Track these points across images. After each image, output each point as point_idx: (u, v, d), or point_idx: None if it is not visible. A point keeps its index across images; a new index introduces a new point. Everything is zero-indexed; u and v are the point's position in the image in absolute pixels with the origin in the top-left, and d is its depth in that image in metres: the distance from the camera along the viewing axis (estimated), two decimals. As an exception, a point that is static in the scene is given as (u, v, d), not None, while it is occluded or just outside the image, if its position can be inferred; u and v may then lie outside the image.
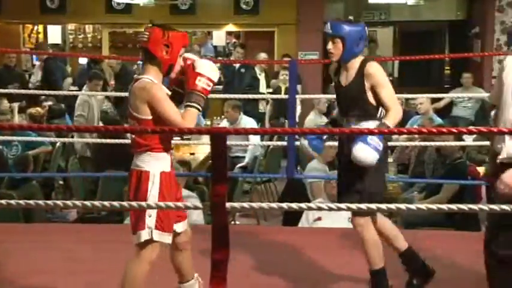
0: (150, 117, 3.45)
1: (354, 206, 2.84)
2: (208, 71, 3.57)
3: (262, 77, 10.67)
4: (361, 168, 3.79)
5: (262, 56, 10.84)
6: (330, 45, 3.92)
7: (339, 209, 2.83)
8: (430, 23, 13.23)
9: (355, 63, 3.93)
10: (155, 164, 3.51)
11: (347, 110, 3.96)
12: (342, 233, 5.11)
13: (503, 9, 12.07)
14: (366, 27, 4.00)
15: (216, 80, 3.59)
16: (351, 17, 4.49)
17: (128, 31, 13.44)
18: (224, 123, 8.64)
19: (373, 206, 2.76)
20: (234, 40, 14.05)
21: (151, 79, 3.52)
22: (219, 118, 9.54)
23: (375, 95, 3.89)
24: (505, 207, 2.74)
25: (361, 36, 3.93)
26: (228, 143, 2.80)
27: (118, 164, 6.25)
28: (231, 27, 12.77)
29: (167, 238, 3.54)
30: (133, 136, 3.57)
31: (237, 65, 10.58)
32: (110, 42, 13.07)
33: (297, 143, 5.93)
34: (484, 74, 11.74)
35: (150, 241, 3.50)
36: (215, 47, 14.15)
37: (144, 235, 3.49)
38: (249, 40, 13.04)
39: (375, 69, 3.89)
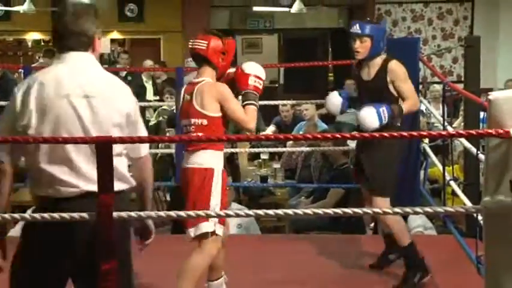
0: (220, 114, 3.67)
1: (242, 212, 2.85)
2: (256, 70, 3.80)
3: (149, 85, 10.57)
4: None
5: (149, 63, 10.74)
6: (357, 44, 4.27)
7: (227, 215, 2.84)
8: (313, 31, 13.51)
9: (378, 60, 4.29)
10: (217, 162, 3.69)
11: (371, 102, 4.21)
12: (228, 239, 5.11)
13: (382, 17, 12.48)
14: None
15: (264, 77, 3.82)
16: (368, 19, 4.87)
17: (8, 38, 13.01)
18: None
19: (261, 212, 2.77)
20: (118, 48, 13.85)
21: (212, 81, 3.74)
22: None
23: (395, 89, 4.27)
24: (387, 210, 2.83)
25: (384, 33, 4.36)
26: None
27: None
28: (115, 35, 12.60)
29: (222, 232, 3.71)
30: (199, 134, 3.68)
31: (124, 73, 10.42)
32: (-11, 50, 12.64)
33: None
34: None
35: (212, 234, 3.64)
36: (100, 55, 13.92)
37: (206, 227, 3.62)
38: (134, 47, 12.90)
39: (397, 66, 4.27)
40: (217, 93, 3.68)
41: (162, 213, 2.77)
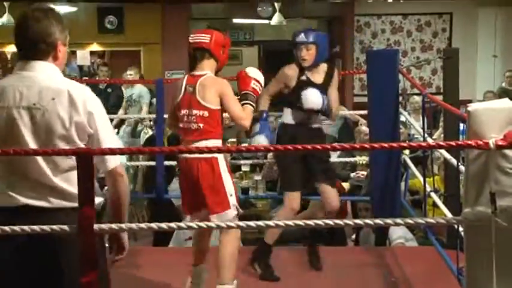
0: (220, 107, 3.93)
1: (223, 224, 2.85)
2: (257, 75, 4.13)
3: (144, 98, 10.48)
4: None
5: (133, 70, 10.65)
6: (304, 52, 4.57)
7: (209, 227, 2.84)
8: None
9: (323, 67, 4.67)
10: None
11: None
12: (214, 250, 5.10)
13: (361, 29, 12.55)
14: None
15: (262, 83, 4.16)
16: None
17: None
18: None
19: (242, 223, 2.77)
20: (98, 60, 13.80)
21: (212, 75, 3.98)
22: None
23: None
24: (368, 221, 2.83)
25: (328, 42, 4.69)
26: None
27: None
28: (95, 47, 12.57)
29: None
30: (201, 125, 3.92)
31: (103, 85, 10.37)
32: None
33: (167, 162, 5.89)
34: (346, 92, 12.12)
35: (235, 217, 3.93)
36: (80, 67, 13.85)
37: (231, 213, 3.90)
38: (114, 59, 12.87)
39: (338, 75, 4.77)
40: (219, 88, 3.94)
41: (143, 225, 2.75)
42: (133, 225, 2.82)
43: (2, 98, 2.64)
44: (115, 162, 2.73)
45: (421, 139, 5.12)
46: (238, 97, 4.07)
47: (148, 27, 11.93)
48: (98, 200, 2.72)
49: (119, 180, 2.76)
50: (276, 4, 11.58)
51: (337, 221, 2.72)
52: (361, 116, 8.41)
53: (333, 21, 13.10)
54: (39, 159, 2.61)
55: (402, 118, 5.90)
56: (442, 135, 5.93)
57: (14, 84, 2.66)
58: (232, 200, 3.93)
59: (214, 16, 12.72)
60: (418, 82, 11.70)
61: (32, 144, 2.61)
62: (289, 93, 4.68)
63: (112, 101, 10.22)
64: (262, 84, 4.16)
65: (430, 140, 4.93)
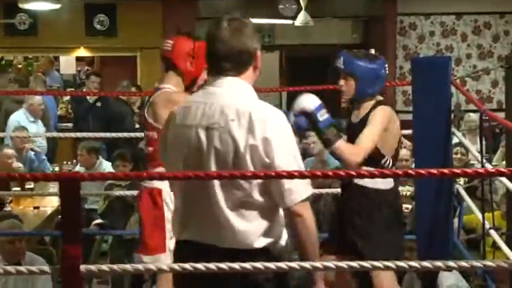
0: None
1: (237, 265, 2.86)
2: None
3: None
4: None
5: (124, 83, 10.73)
6: (341, 81, 4.27)
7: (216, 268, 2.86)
8: (321, 48, 13.57)
9: (367, 105, 4.30)
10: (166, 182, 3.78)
11: None
12: None
13: (406, 31, 12.55)
14: (386, 64, 4.34)
15: None
16: (372, 50, 4.92)
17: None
18: (78, 169, 8.46)
19: (259, 265, 2.78)
20: (86, 67, 13.89)
21: (174, 89, 3.91)
22: (69, 163, 9.31)
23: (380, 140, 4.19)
24: (413, 264, 2.83)
25: (377, 75, 4.26)
26: (82, 192, 2.78)
27: None
28: (82, 52, 12.65)
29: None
30: (150, 148, 3.87)
31: (92, 98, 10.40)
32: None
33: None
34: (386, 107, 12.10)
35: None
36: (62, 76, 13.92)
37: (164, 259, 3.79)
38: (105, 67, 12.94)
39: (378, 111, 4.25)
40: (171, 107, 3.74)
41: (140, 267, 2.78)
42: (128, 267, 2.84)
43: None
44: (296, 197, 2.85)
45: (479, 165, 5.12)
46: None
47: (147, 29, 11.97)
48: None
49: (298, 222, 2.91)
50: (301, 1, 11.62)
51: (376, 264, 2.72)
52: (404, 136, 8.41)
53: (371, 21, 13.12)
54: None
55: (455, 140, 5.90)
56: (504, 161, 5.92)
57: None
58: (172, 244, 3.75)
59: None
60: (474, 96, 11.68)
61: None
62: None
63: (103, 117, 10.24)
64: None
65: (489, 166, 4.93)
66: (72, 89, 13.30)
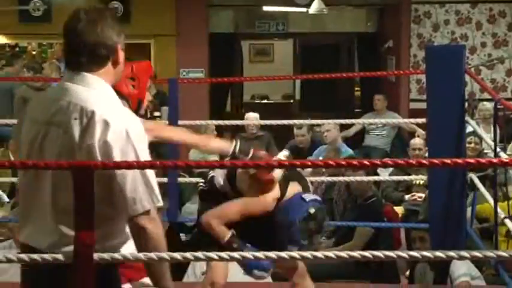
0: None
1: (249, 255, 2.86)
2: None
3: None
4: None
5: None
6: None
7: (232, 259, 2.86)
8: (336, 36, 13.55)
9: None
10: None
11: None
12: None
13: (420, 19, 12.50)
14: None
15: None
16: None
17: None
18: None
19: (272, 254, 2.79)
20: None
21: None
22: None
23: None
24: (425, 253, 2.83)
25: None
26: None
27: None
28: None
29: None
30: None
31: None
32: None
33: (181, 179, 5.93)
34: (400, 96, 12.08)
35: None
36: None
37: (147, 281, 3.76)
38: (118, 55, 12.92)
39: None
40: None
41: (152, 255, 2.77)
42: (141, 255, 2.83)
43: None
44: (138, 207, 2.69)
45: (492, 154, 5.10)
46: None
47: (161, 16, 11.95)
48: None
49: (141, 233, 2.73)
50: (315, -12, 11.60)
51: (388, 253, 2.72)
52: (418, 125, 8.40)
53: (386, 10, 13.07)
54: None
55: (469, 129, 5.88)
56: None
57: None
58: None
59: (239, 3, 12.76)
60: (489, 85, 11.64)
61: None
62: None
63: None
64: None
65: (503, 155, 4.91)
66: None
